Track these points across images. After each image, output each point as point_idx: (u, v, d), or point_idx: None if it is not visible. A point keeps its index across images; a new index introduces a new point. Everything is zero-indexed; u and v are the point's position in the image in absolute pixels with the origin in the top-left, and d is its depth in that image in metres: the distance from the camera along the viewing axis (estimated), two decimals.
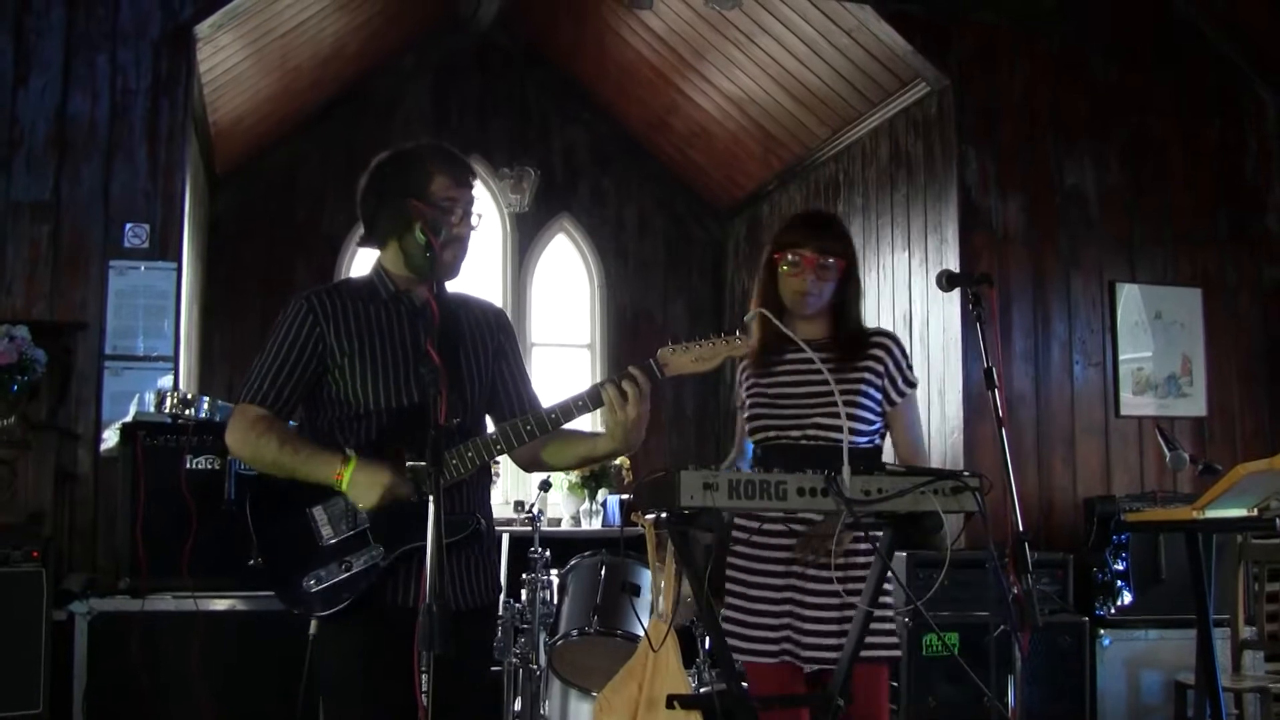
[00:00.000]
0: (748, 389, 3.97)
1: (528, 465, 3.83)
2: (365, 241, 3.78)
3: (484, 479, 3.66)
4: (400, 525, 3.43)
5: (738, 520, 3.80)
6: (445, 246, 3.57)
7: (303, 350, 3.56)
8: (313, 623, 3.52)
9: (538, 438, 3.52)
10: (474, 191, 3.70)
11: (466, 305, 3.82)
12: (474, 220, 3.65)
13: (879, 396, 3.85)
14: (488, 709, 3.79)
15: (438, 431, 3.15)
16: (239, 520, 3.67)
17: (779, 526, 3.71)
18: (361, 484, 3.38)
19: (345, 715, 3.51)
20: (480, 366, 3.72)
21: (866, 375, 3.83)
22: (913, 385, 3.96)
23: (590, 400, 3.43)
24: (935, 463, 7.23)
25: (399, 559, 3.46)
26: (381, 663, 3.43)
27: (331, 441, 3.52)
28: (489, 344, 3.77)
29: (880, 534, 3.28)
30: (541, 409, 3.57)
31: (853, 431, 3.66)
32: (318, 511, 3.51)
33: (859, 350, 3.87)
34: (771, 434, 3.83)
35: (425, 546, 3.14)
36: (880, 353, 3.89)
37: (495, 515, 3.82)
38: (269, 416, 3.53)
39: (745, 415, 3.98)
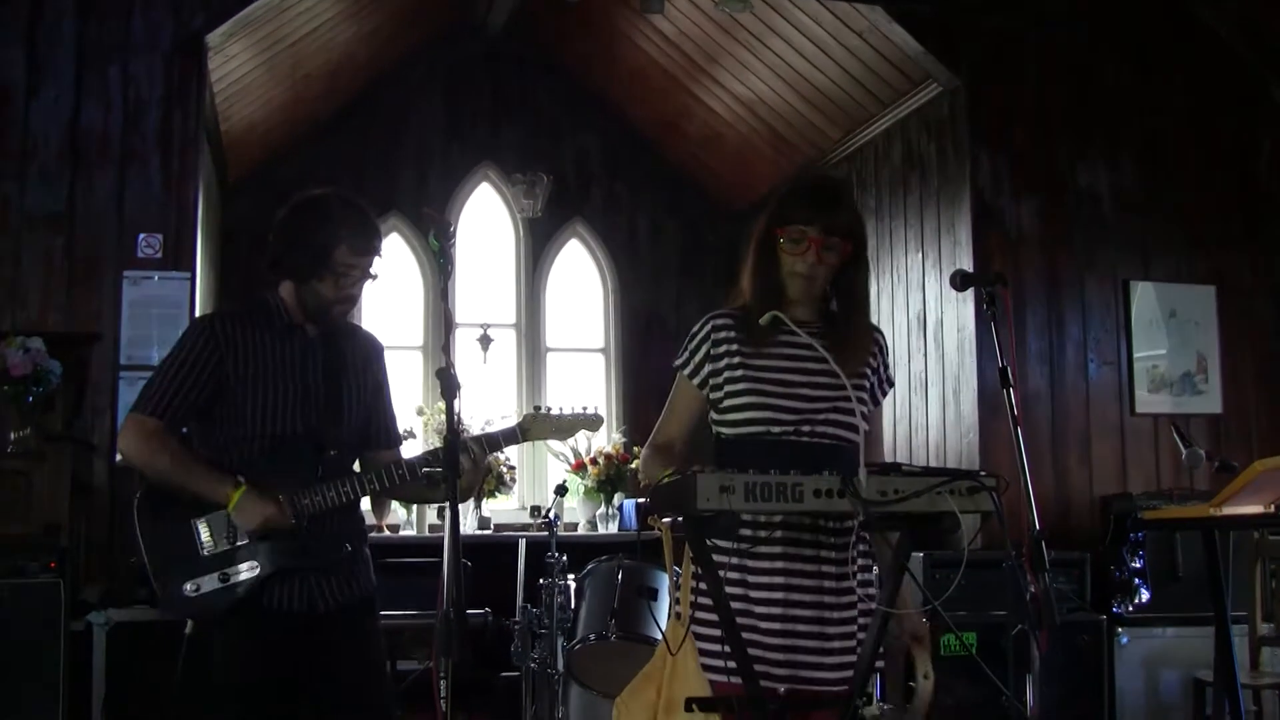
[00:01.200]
0: (735, 369, 3.46)
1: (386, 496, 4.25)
2: (268, 270, 4.01)
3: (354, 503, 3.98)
4: (276, 544, 3.75)
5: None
6: (336, 304, 3.87)
7: (201, 372, 3.80)
8: (189, 623, 3.89)
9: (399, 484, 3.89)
10: (376, 256, 3.93)
11: (353, 336, 4.10)
12: (368, 281, 3.93)
13: (866, 397, 3.54)
14: (389, 694, 4.01)
15: (455, 437, 3.24)
16: None
17: (776, 549, 3.33)
18: (247, 510, 3.70)
19: (220, 711, 3.74)
20: (359, 399, 4.00)
21: (866, 371, 3.55)
22: (893, 385, 3.71)
23: (444, 459, 3.56)
24: (951, 463, 7.23)
25: (274, 574, 3.75)
26: (255, 662, 3.75)
27: (221, 457, 3.81)
28: (369, 379, 4.04)
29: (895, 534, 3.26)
30: (409, 459, 3.94)
31: (856, 429, 3.37)
32: (200, 523, 3.78)
33: (865, 344, 3.55)
34: (776, 429, 3.40)
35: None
36: (874, 349, 3.60)
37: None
38: (164, 431, 3.79)
39: (728, 402, 3.47)
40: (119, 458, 3.92)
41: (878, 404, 3.64)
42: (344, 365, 3.97)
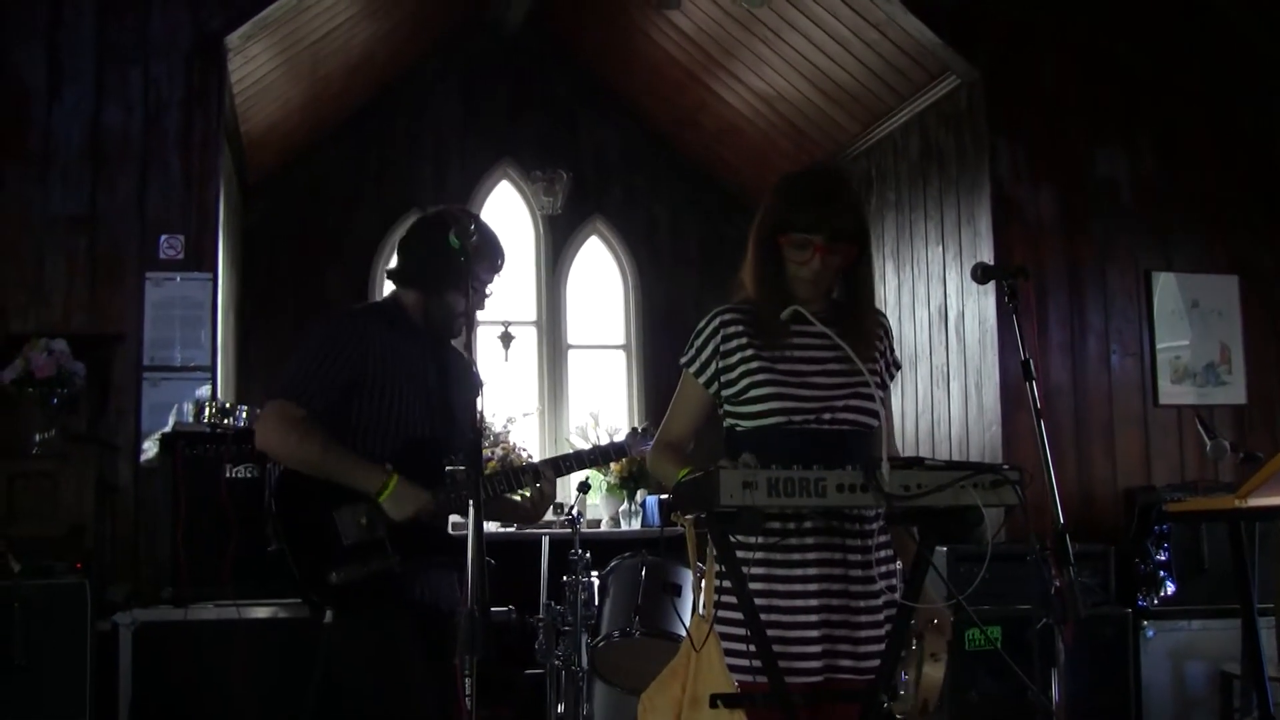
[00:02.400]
0: (749, 361, 3.44)
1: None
2: (393, 276, 4.21)
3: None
4: (415, 538, 3.91)
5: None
6: (464, 316, 4.03)
7: (344, 365, 3.93)
8: (328, 613, 3.89)
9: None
10: (500, 274, 4.22)
11: (453, 350, 4.30)
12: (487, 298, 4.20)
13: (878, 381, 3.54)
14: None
15: (477, 435, 3.31)
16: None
17: (809, 540, 3.33)
18: (401, 498, 3.85)
19: (365, 692, 3.88)
20: (462, 409, 4.15)
21: (875, 355, 3.53)
22: (899, 367, 3.69)
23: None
24: (974, 456, 7.23)
25: (413, 567, 3.93)
26: (396, 650, 3.88)
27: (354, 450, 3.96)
28: (468, 392, 4.14)
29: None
30: (514, 469, 4.32)
31: (875, 414, 3.39)
32: (341, 514, 3.88)
33: (871, 330, 3.54)
34: (798, 418, 3.37)
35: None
36: (880, 332, 3.59)
37: None
38: (310, 418, 3.89)
39: (747, 394, 3.43)
40: (257, 445, 4.02)
41: (886, 388, 3.59)
42: (452, 375, 4.16)
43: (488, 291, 4.18)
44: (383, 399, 3.97)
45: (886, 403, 3.58)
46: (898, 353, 3.71)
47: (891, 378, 3.63)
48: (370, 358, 3.96)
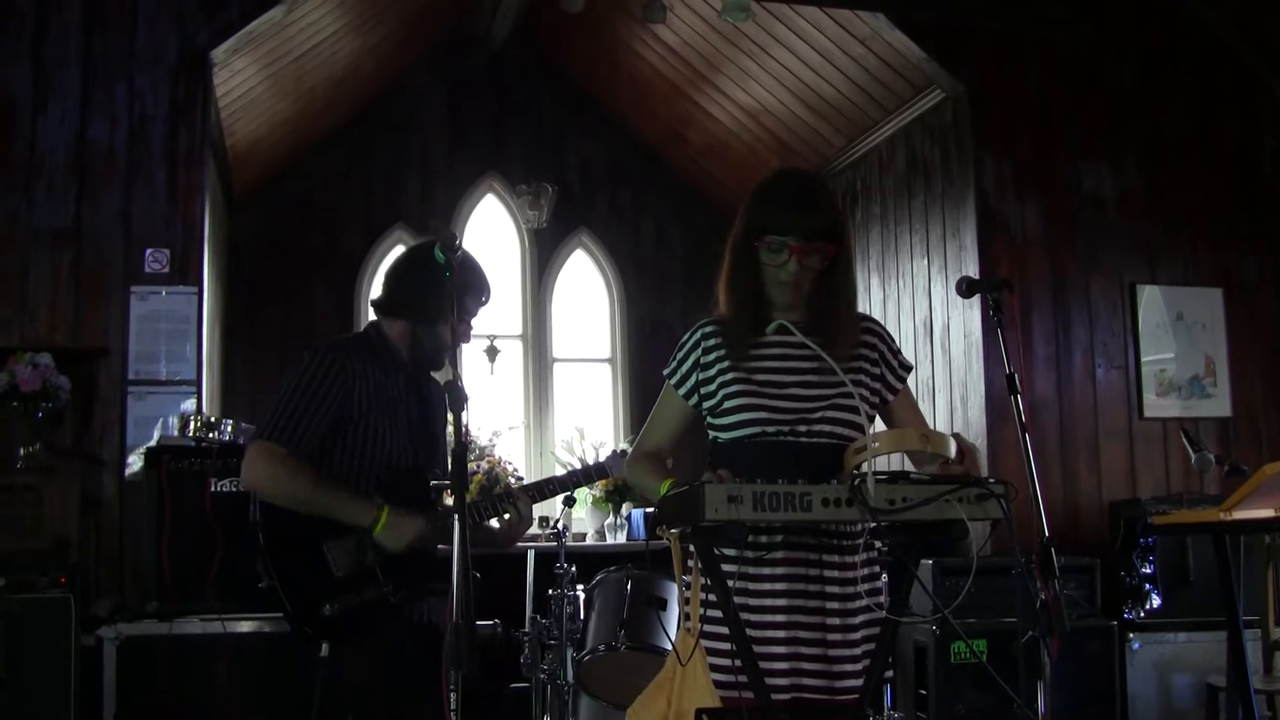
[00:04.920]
0: (725, 373, 3.44)
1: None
2: (379, 306, 4.22)
3: None
4: (407, 566, 3.92)
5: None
6: (452, 347, 3.91)
7: (328, 402, 3.92)
8: (324, 646, 3.89)
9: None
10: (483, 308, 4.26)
11: (431, 379, 4.30)
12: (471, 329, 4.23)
13: (876, 386, 3.53)
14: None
15: (461, 448, 3.29)
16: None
17: (779, 555, 3.31)
18: (396, 528, 3.86)
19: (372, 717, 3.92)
20: (443, 437, 4.23)
21: (863, 364, 3.50)
22: (909, 369, 3.67)
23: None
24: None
25: (408, 595, 3.95)
26: (398, 673, 3.91)
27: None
28: (445, 420, 4.21)
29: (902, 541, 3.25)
30: (499, 492, 4.37)
31: (857, 427, 3.33)
32: (331, 546, 3.89)
33: (852, 338, 3.50)
34: (771, 430, 3.36)
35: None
36: (872, 339, 3.56)
37: None
38: (295, 455, 3.88)
39: (722, 406, 3.43)
40: (242, 485, 4.02)
41: (895, 392, 3.60)
42: (432, 404, 4.19)
43: (473, 325, 4.22)
44: (367, 435, 3.97)
45: (903, 403, 3.63)
46: (901, 355, 3.68)
47: (900, 380, 3.62)
48: (356, 394, 3.96)
